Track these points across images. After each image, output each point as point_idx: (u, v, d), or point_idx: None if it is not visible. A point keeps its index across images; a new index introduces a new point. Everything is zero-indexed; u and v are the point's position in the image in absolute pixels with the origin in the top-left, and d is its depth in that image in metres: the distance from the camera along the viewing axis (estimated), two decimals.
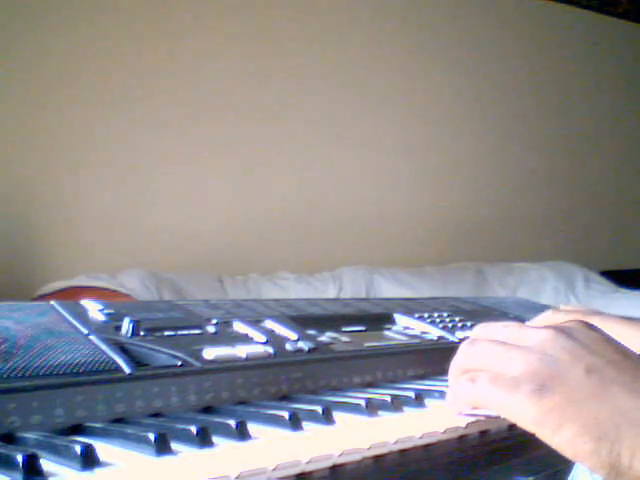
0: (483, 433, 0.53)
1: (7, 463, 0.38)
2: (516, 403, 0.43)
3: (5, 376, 0.48)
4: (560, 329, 0.47)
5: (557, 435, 0.41)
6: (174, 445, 0.42)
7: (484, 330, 0.52)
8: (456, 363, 0.51)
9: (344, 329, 0.78)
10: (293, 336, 0.70)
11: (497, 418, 0.50)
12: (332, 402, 0.57)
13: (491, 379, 0.45)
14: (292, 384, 0.62)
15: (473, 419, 0.51)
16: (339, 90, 2.53)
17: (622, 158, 3.44)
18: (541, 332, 0.47)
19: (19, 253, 1.91)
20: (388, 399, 0.56)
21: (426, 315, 0.90)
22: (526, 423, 0.43)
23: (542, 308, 1.22)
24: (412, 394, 0.58)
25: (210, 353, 0.59)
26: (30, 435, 0.44)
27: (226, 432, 0.46)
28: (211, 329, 0.67)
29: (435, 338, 0.82)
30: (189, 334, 0.65)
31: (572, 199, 3.23)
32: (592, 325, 0.49)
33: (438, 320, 0.89)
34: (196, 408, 0.55)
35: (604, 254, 3.17)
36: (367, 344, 0.74)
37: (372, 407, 0.54)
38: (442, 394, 0.61)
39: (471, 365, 0.49)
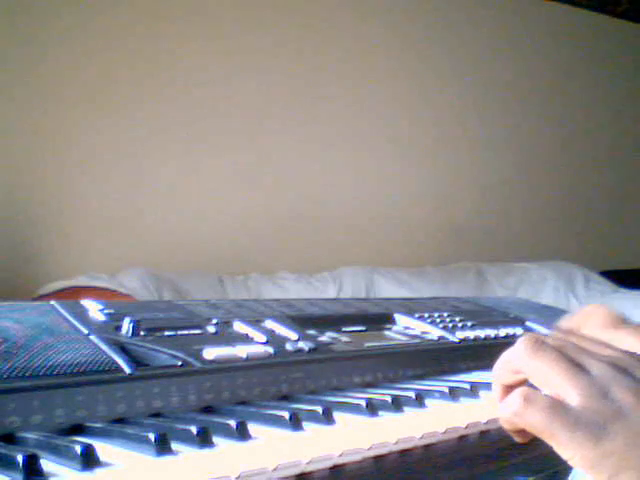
0: (483, 433, 0.53)
1: (7, 463, 0.38)
2: (574, 442, 0.40)
3: (5, 376, 0.48)
4: (619, 366, 0.44)
5: None
6: (174, 445, 0.42)
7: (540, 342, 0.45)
8: (512, 360, 0.45)
9: (344, 329, 0.78)
10: (293, 336, 0.69)
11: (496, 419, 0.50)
12: (332, 402, 0.56)
13: (550, 408, 0.41)
14: (292, 384, 0.62)
15: (475, 420, 0.51)
16: (339, 91, 2.53)
17: (622, 158, 3.43)
18: (601, 365, 0.43)
19: (19, 253, 1.91)
20: (388, 399, 0.56)
21: (426, 315, 0.90)
22: (579, 464, 0.40)
23: (542, 308, 1.22)
24: (412, 394, 0.58)
25: (210, 353, 0.59)
26: (30, 435, 0.44)
27: (226, 432, 0.46)
28: (211, 329, 0.67)
29: (435, 338, 0.82)
30: (189, 334, 0.65)
31: (572, 199, 3.23)
32: None
33: (438, 320, 0.89)
34: (196, 408, 0.55)
35: (604, 254, 3.17)
36: (367, 344, 0.74)
37: (372, 407, 0.54)
38: (442, 394, 0.61)
39: (528, 372, 0.44)
